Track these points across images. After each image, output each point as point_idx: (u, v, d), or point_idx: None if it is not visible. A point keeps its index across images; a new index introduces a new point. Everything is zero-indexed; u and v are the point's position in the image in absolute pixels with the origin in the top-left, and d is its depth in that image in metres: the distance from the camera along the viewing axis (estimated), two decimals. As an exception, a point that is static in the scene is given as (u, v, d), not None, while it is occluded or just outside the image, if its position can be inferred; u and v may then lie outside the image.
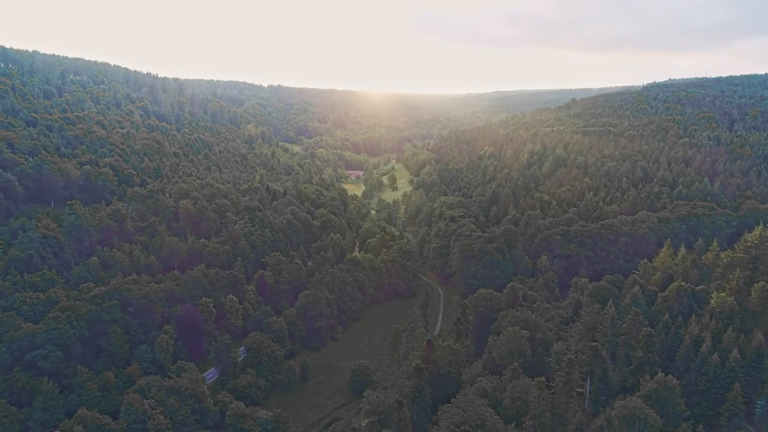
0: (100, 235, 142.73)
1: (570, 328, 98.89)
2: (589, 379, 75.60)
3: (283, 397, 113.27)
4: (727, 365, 70.78)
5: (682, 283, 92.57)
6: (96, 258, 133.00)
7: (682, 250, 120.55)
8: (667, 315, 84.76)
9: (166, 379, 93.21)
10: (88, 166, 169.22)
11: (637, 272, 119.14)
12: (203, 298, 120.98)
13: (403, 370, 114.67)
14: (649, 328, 76.52)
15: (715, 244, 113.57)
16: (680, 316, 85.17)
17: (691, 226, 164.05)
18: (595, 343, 76.11)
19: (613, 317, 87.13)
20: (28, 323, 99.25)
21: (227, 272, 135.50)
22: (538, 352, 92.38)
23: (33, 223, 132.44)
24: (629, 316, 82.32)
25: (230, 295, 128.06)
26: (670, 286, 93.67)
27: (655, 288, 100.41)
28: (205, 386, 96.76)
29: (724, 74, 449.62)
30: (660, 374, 68.20)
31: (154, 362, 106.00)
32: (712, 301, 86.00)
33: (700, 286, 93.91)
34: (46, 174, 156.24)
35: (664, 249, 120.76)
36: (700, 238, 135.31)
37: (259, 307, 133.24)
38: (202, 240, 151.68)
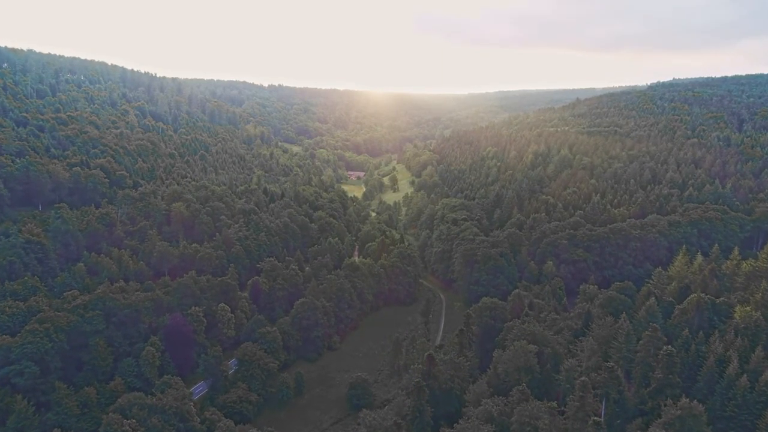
0: (87, 239, 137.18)
1: (580, 341, 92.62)
2: (604, 403, 69.43)
3: (276, 412, 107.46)
4: (757, 389, 64.53)
5: (702, 295, 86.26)
6: (82, 264, 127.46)
7: (699, 257, 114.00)
8: (686, 330, 78.45)
9: (149, 396, 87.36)
10: (78, 168, 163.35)
11: (651, 281, 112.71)
12: (193, 307, 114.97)
13: (403, 384, 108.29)
14: (670, 347, 70.21)
15: (736, 252, 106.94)
16: (701, 332, 78.87)
17: (703, 231, 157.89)
18: (611, 364, 69.84)
19: (627, 332, 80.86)
20: (5, 335, 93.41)
21: (219, 279, 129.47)
22: (547, 368, 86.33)
23: (16, 228, 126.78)
24: (647, 332, 76.04)
25: (222, 304, 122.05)
26: (688, 298, 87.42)
27: (671, 299, 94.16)
28: (191, 404, 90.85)
29: (728, 74, 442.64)
30: (684, 399, 62.00)
31: (139, 376, 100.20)
32: (736, 316, 79.74)
33: (721, 298, 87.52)
34: (33, 176, 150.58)
35: (679, 256, 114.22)
36: (716, 245, 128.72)
37: (253, 316, 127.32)
38: (194, 245, 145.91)
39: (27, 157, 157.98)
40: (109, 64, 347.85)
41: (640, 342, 77.17)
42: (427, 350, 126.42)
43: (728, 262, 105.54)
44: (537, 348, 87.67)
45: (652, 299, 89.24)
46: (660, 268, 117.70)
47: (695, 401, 62.01)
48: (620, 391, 69.98)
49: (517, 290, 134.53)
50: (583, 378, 65.02)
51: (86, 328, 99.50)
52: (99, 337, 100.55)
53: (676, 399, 65.74)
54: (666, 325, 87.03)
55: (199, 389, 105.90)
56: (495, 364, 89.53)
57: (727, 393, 66.65)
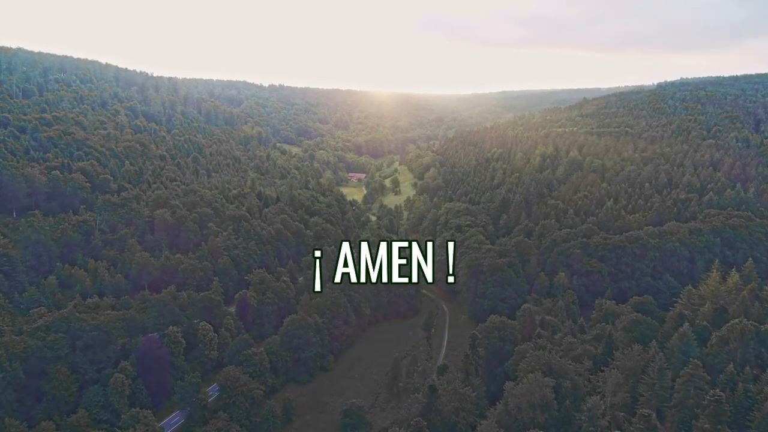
0: (62, 250, 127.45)
1: (603, 372, 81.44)
2: (639, 457, 58.37)
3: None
4: (827, 446, 53.47)
5: (744, 321, 74.99)
6: (54, 277, 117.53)
7: (734, 274, 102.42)
8: (731, 365, 67.19)
9: (112, 434, 76.79)
10: (57, 171, 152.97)
11: (680, 300, 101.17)
12: (170, 327, 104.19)
13: (401, 417, 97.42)
14: (718, 391, 59.03)
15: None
16: (747, 367, 67.64)
17: (726, 239, 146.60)
18: (647, 411, 58.71)
19: (660, 367, 69.62)
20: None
21: (202, 294, 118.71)
22: (566, 405, 75.24)
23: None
24: (687, 369, 64.89)
25: (203, 322, 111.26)
26: (728, 325, 76.18)
27: (705, 323, 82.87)
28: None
29: (735, 73, 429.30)
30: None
31: (107, 407, 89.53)
32: (789, 349, 68.64)
33: (767, 326, 76.18)
34: (6, 180, 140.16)
35: (713, 273, 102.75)
36: (749, 259, 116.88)
37: (239, 335, 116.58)
38: (177, 255, 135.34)
39: (1, 160, 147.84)
40: (103, 63, 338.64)
41: (678, 380, 66.05)
42: (429, 374, 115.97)
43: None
44: (554, 381, 76.83)
45: (686, 325, 77.93)
46: (690, 286, 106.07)
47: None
48: (657, 442, 58.91)
49: (527, 305, 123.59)
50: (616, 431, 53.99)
51: (47, 353, 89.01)
52: (62, 363, 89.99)
53: (726, 455, 54.76)
54: (702, 354, 75.89)
55: (175, 420, 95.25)
56: (506, 399, 78.67)
57: (790, 449, 55.66)
